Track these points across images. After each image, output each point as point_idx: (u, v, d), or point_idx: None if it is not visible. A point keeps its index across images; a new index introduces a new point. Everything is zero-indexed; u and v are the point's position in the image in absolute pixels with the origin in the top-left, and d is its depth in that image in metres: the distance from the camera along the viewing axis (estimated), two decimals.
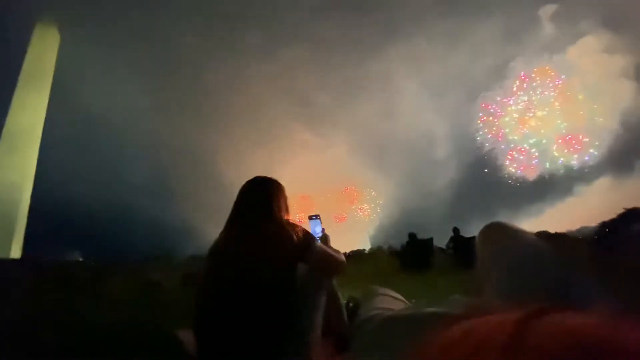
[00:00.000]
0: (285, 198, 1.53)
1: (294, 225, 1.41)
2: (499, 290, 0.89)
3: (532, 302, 0.32)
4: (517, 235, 1.01)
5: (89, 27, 31.48)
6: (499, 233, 1.05)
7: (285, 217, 1.48)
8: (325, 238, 1.74)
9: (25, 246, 26.27)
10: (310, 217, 2.08)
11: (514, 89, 25.14)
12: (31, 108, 28.57)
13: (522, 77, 25.05)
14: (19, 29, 29.56)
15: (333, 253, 1.51)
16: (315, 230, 2.01)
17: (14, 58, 29.00)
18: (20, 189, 27.23)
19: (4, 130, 28.03)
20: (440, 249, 10.86)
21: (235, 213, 1.49)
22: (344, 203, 32.24)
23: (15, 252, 25.65)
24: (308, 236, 1.41)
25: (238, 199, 1.52)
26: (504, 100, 25.35)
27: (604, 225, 1.85)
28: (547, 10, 28.13)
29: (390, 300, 1.53)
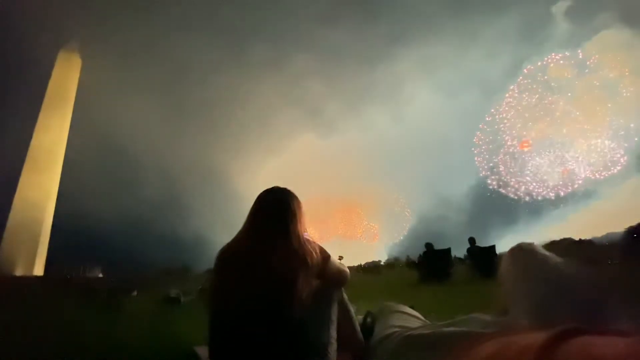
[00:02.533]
0: (303, 213, 1.48)
1: (311, 242, 1.40)
2: (528, 310, 0.89)
3: (561, 321, 0.31)
4: (546, 257, 1.04)
5: (108, 52, 32.96)
6: (529, 254, 1.07)
7: (304, 233, 1.45)
8: None
9: (48, 263, 27.07)
10: None
11: (519, 91, 24.55)
12: (54, 130, 29.77)
13: (527, 72, 24.43)
14: (44, 56, 31.21)
15: (342, 267, 1.51)
16: None
17: (39, 83, 30.52)
18: (44, 208, 28.19)
19: (29, 151, 29.26)
20: (459, 259, 10.53)
21: (253, 224, 1.42)
22: (357, 213, 31.97)
23: (39, 269, 26.42)
24: (325, 254, 1.41)
25: (256, 209, 1.44)
26: (512, 104, 24.81)
27: (630, 231, 1.78)
28: (561, 7, 27.50)
29: (408, 318, 1.50)
